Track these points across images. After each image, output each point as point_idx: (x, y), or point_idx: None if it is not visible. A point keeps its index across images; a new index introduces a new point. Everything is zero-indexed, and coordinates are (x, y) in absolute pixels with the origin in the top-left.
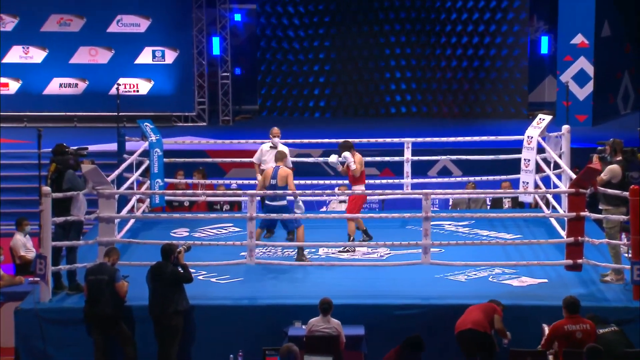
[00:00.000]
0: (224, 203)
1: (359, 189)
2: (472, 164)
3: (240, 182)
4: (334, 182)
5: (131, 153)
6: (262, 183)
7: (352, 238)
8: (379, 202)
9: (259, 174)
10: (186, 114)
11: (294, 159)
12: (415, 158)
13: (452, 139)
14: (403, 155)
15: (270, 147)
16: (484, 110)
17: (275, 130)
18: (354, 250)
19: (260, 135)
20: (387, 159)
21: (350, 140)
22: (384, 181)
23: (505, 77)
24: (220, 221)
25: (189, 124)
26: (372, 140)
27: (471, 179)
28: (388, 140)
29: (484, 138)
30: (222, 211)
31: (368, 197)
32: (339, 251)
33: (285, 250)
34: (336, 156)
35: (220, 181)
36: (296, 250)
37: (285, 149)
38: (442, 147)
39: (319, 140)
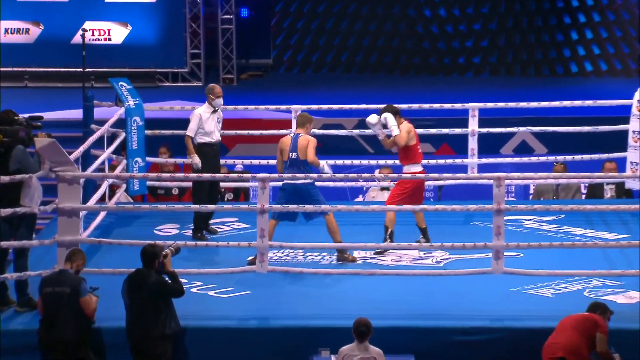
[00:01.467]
0: (226, 190)
1: (412, 170)
2: (561, 139)
3: (247, 162)
4: (373, 162)
5: (102, 123)
6: (280, 158)
7: (389, 232)
8: (434, 189)
9: (194, 155)
10: (175, 70)
11: (319, 132)
12: (484, 130)
13: (533, 104)
14: (466, 127)
15: (212, 112)
16: (580, 68)
17: (219, 89)
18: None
19: (274, 99)
20: (445, 131)
21: (396, 105)
22: (440, 161)
23: (607, 21)
24: (221, 214)
25: (179, 84)
26: (425, 105)
27: (560, 158)
28: (447, 106)
29: (578, 103)
30: (223, 201)
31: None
32: (375, 253)
33: (308, 254)
34: (377, 116)
35: (222, 160)
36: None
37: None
38: (519, 116)
39: (354, 107)
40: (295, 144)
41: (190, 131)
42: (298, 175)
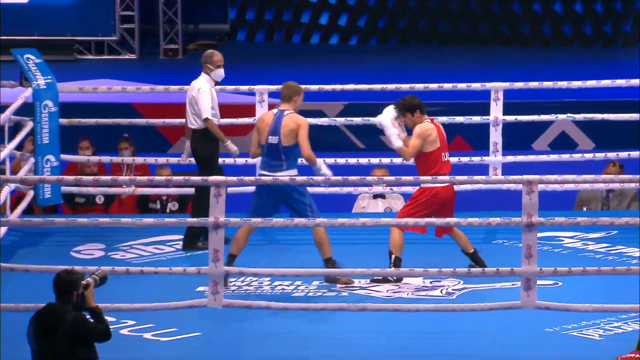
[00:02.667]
0: (168, 198)
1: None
2: (615, 130)
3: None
4: (363, 160)
5: (1, 110)
6: (255, 143)
7: (394, 259)
8: None
9: (228, 142)
10: (100, 38)
11: None
12: (510, 118)
13: (577, 83)
14: (487, 114)
15: (216, 84)
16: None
17: (219, 56)
18: (399, 280)
19: (232, 77)
20: (459, 119)
21: (415, 97)
22: (452, 160)
23: None
24: (162, 231)
25: (105, 57)
26: (432, 85)
27: (612, 155)
28: (461, 86)
29: (637, 82)
30: (164, 213)
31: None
32: (372, 280)
33: (277, 283)
34: (392, 111)
35: (162, 159)
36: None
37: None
38: (558, 99)
39: (339, 87)
40: (278, 125)
41: (206, 112)
42: (282, 176)
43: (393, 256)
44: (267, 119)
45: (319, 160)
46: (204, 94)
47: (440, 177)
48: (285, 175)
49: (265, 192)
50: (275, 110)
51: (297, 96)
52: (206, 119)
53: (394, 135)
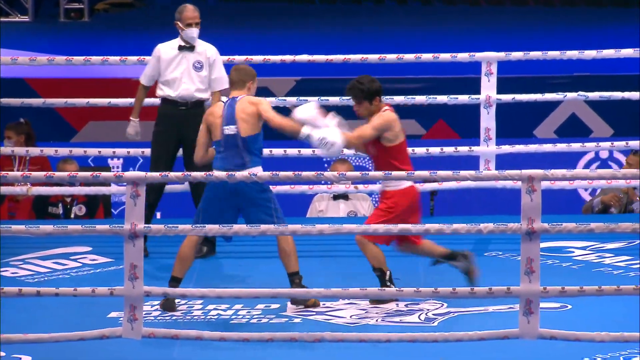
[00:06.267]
0: (74, 200)
1: (399, 187)
2: (637, 111)
3: (111, 150)
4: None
5: None
6: (203, 137)
7: (388, 275)
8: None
9: (132, 120)
10: None
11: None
12: (507, 97)
13: (590, 53)
14: (478, 92)
15: (181, 47)
16: None
17: (191, 11)
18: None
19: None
20: (441, 100)
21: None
22: (433, 150)
23: None
24: (65, 241)
25: None
26: (407, 56)
27: (634, 143)
28: (444, 56)
29: None
30: (68, 218)
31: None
32: (372, 302)
33: (210, 306)
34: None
35: (65, 150)
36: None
37: (210, 51)
38: (567, 74)
39: (289, 58)
40: (232, 113)
41: (143, 77)
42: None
43: (387, 273)
44: (217, 111)
45: (306, 128)
46: (152, 56)
47: (418, 173)
48: (246, 171)
49: (218, 195)
50: (225, 99)
51: (251, 81)
52: (139, 84)
53: (330, 128)
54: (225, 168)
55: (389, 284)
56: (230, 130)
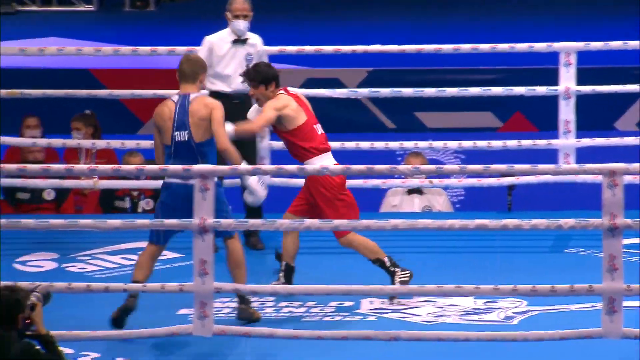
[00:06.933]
0: (140, 194)
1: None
2: None
3: None
4: (394, 144)
5: None
6: (160, 145)
7: (389, 265)
8: (499, 191)
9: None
10: None
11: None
12: (586, 89)
13: None
14: (556, 84)
15: (233, 42)
16: None
17: (240, 3)
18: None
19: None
20: (518, 91)
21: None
22: (510, 143)
23: None
24: (133, 235)
25: (54, 9)
26: (482, 46)
27: None
28: (520, 47)
29: None
30: (135, 212)
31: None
32: (390, 300)
33: (283, 303)
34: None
35: (133, 142)
36: (239, 303)
37: (258, 42)
38: None
39: (361, 48)
40: (185, 116)
41: None
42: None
43: (386, 259)
44: (166, 111)
45: (238, 157)
46: (202, 46)
47: (495, 166)
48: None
49: (170, 203)
50: (174, 97)
51: (203, 73)
52: None
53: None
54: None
55: (393, 269)
56: (181, 136)
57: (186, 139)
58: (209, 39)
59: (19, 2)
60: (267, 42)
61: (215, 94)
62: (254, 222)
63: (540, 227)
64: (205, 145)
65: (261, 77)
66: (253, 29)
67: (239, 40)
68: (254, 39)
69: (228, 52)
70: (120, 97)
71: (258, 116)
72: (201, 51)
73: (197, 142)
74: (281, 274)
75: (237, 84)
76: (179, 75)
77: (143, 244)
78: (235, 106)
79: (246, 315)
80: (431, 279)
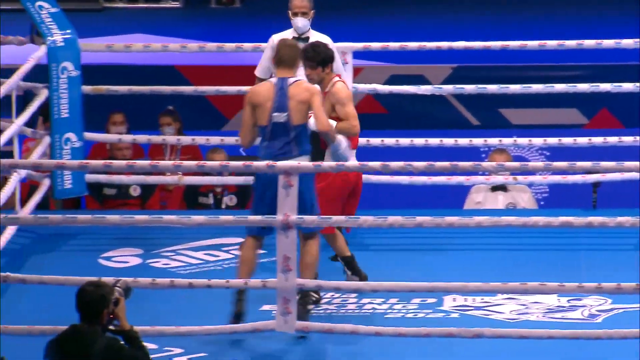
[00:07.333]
0: (224, 190)
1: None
2: None
3: None
4: (478, 141)
5: (7, 73)
6: (250, 119)
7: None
8: (584, 188)
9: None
10: None
11: (384, 88)
12: None
13: None
14: None
15: (295, 39)
16: None
17: (297, 0)
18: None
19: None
20: (604, 87)
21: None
22: (596, 140)
23: None
24: (216, 232)
25: (140, 5)
26: (568, 43)
27: None
28: (607, 43)
29: None
30: (219, 209)
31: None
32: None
33: (366, 300)
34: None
35: (216, 139)
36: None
37: (327, 40)
38: None
39: (446, 44)
40: (285, 98)
41: (258, 68)
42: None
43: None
44: (264, 92)
45: (340, 137)
46: (267, 46)
47: (580, 164)
48: (294, 160)
49: (263, 184)
50: (273, 80)
51: (299, 61)
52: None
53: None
54: (272, 155)
55: (350, 271)
56: (280, 117)
57: (284, 120)
58: (273, 37)
59: None
60: (351, 39)
61: None
62: (337, 219)
63: (626, 225)
64: (301, 129)
65: (320, 57)
66: (334, 25)
67: (300, 38)
68: (319, 37)
69: None
70: (205, 93)
71: (347, 113)
72: (266, 49)
73: (295, 124)
74: (347, 270)
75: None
76: (276, 60)
77: (228, 240)
78: None
79: (303, 315)
80: (515, 276)
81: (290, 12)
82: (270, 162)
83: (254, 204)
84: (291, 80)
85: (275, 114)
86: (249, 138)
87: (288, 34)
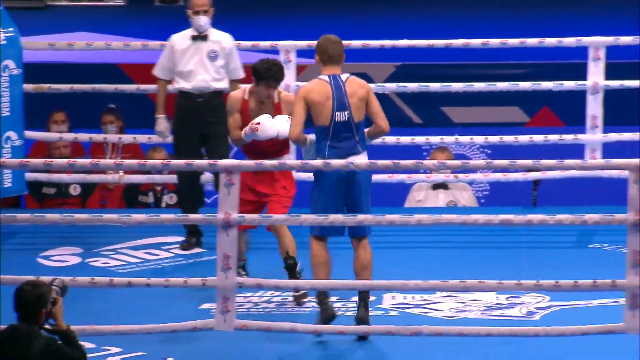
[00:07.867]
0: (164, 189)
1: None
2: None
3: None
4: (420, 139)
5: None
6: (302, 116)
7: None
8: (529, 187)
9: (159, 116)
10: None
11: None
12: (615, 84)
13: None
14: (584, 78)
15: (193, 37)
16: None
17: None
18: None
19: (255, 29)
20: (546, 86)
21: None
22: (537, 138)
23: None
24: (157, 230)
25: (83, 4)
26: (511, 41)
27: None
28: (550, 41)
29: None
30: (159, 207)
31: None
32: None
33: (307, 299)
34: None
35: (157, 137)
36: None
37: (228, 37)
38: None
39: (389, 43)
40: (343, 96)
41: (156, 68)
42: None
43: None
44: (322, 90)
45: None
46: (168, 45)
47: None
48: (362, 161)
49: (333, 184)
50: (325, 78)
51: (344, 56)
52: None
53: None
54: (337, 154)
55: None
56: (342, 116)
57: (346, 119)
58: (171, 37)
59: None
60: (288, 37)
61: (179, 93)
62: (278, 217)
63: (565, 223)
64: (361, 125)
65: (282, 74)
66: (277, 24)
67: (199, 36)
68: (220, 35)
69: (188, 49)
70: (147, 91)
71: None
72: (165, 49)
73: (357, 122)
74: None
75: (197, 81)
76: (325, 57)
77: (167, 239)
78: (198, 104)
79: (327, 314)
80: (454, 274)
81: (190, 10)
82: (212, 161)
83: (321, 203)
84: (343, 77)
85: (337, 112)
86: (297, 133)
87: (186, 32)
